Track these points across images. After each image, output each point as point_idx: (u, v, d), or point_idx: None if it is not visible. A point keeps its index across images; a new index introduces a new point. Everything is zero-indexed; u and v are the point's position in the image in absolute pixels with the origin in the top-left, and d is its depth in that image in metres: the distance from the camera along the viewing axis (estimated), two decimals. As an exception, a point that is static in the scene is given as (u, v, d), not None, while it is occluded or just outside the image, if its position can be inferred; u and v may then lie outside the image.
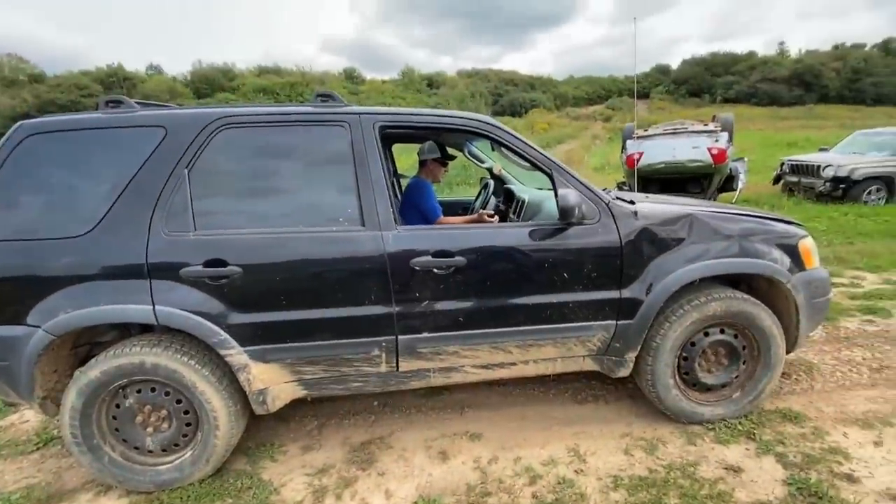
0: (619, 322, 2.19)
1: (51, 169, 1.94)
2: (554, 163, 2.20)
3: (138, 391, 2.01)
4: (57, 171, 1.94)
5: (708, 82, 52.59)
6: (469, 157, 3.65)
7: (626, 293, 2.16)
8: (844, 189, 8.09)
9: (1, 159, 1.89)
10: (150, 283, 1.89)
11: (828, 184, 8.18)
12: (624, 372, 2.30)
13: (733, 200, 7.83)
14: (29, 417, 2.78)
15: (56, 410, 2.05)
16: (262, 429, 2.50)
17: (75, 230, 1.88)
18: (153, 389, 2.01)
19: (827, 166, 8.28)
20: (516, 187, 3.50)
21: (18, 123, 1.95)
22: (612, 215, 2.15)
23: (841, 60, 47.75)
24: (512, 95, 51.90)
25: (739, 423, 2.32)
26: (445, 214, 2.93)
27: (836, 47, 53.70)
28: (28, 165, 1.91)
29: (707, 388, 2.35)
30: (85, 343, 2.16)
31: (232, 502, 1.99)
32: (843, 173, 8.07)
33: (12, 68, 43.28)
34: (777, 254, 2.29)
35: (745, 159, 8.64)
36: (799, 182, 8.97)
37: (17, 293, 1.88)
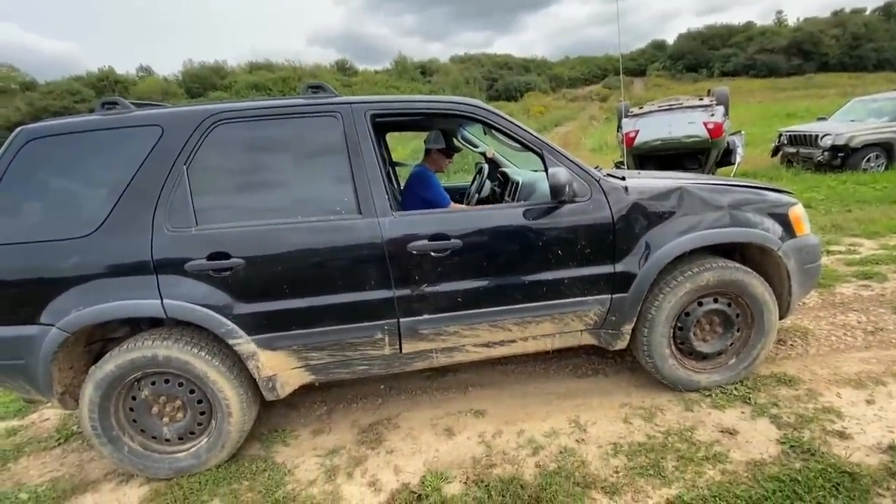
0: (613, 296, 2.24)
1: (53, 171, 1.99)
2: (544, 143, 2.23)
3: (153, 383, 2.09)
4: (59, 173, 2.00)
5: (705, 56, 51.91)
6: (462, 142, 3.67)
7: (619, 267, 2.21)
8: (843, 157, 8.04)
9: (4, 165, 1.95)
10: (157, 278, 1.95)
11: (826, 153, 8.14)
12: (621, 344, 2.36)
13: (732, 174, 7.82)
14: (49, 416, 2.88)
15: (75, 405, 2.13)
16: (273, 416, 2.59)
17: (81, 230, 1.94)
18: (167, 381, 2.09)
19: (825, 135, 8.23)
20: (511, 170, 3.53)
21: (19, 129, 2.00)
22: (604, 191, 2.19)
23: (840, 27, 46.95)
24: (507, 79, 51.45)
25: (735, 388, 2.38)
26: None
27: (835, 13, 52.80)
28: (31, 169, 1.96)
29: (703, 357, 2.41)
30: (98, 340, 2.23)
31: (248, 485, 2.08)
32: (841, 142, 8.02)
33: (3, 77, 43.10)
34: (768, 222, 2.33)
35: (743, 132, 8.59)
36: (797, 153, 8.92)
37: (29, 294, 1.95)
